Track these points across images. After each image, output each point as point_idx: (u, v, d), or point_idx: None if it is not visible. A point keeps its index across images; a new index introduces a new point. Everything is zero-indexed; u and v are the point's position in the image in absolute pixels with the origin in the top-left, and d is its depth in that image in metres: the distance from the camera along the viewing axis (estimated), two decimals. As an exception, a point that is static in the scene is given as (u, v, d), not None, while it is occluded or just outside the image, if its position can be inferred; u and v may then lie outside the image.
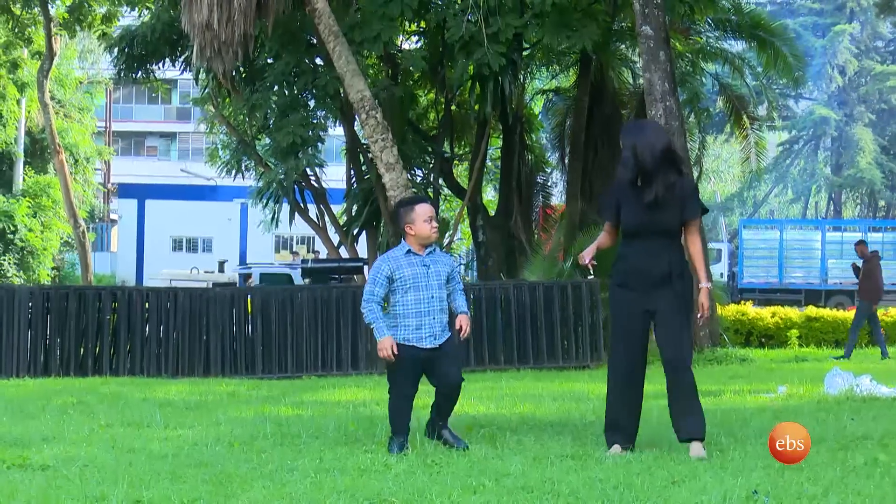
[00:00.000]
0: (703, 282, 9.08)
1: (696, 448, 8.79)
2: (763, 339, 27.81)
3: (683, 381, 8.94)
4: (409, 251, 9.34)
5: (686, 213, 8.97)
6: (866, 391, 13.28)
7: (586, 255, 9.26)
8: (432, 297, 9.31)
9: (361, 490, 7.40)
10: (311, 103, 26.29)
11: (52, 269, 50.96)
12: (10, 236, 47.49)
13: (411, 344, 9.26)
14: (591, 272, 9.59)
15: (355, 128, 27.84)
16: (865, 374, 14.35)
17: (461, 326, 9.37)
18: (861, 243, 25.28)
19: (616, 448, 9.01)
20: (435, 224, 9.41)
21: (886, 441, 9.35)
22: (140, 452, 9.28)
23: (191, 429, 10.92)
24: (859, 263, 24.97)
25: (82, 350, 19.62)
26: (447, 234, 30.14)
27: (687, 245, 9.15)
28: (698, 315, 9.06)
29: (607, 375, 9.31)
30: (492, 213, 30.60)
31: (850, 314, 28.77)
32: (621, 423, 9.13)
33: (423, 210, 9.34)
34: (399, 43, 28.62)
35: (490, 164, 35.03)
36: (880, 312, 29.27)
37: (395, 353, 9.18)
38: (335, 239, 28.99)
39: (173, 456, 9.02)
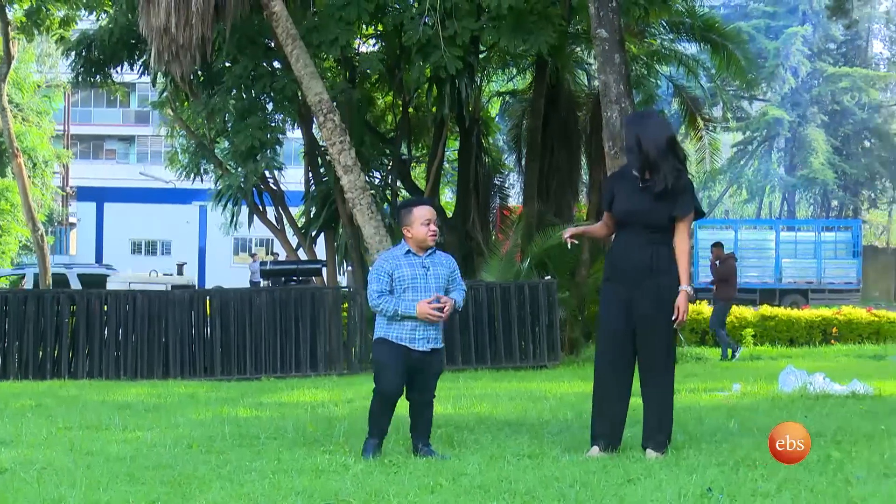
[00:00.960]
0: (684, 284, 8.88)
1: (652, 454, 8.82)
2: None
3: (658, 389, 8.97)
4: (408, 251, 9.17)
5: (677, 209, 8.88)
6: (819, 389, 13.38)
7: (568, 231, 9.34)
8: (429, 297, 9.06)
9: (319, 490, 7.42)
10: (270, 106, 26.20)
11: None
12: (-32, 239, 47.32)
13: (404, 345, 9.03)
14: (569, 247, 9.45)
15: (313, 130, 27.78)
16: (819, 371, 14.46)
17: (445, 300, 9.10)
18: (717, 245, 25.63)
19: (594, 450, 8.95)
20: (433, 227, 9.21)
21: (839, 438, 9.41)
22: (98, 455, 9.26)
23: (149, 431, 10.90)
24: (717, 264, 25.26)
25: (41, 353, 19.60)
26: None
27: (675, 243, 8.98)
28: (673, 318, 8.88)
29: (594, 373, 9.24)
30: (449, 214, 30.62)
31: (803, 313, 29.02)
32: (601, 425, 9.06)
33: (420, 213, 9.18)
34: (356, 46, 28.58)
35: (447, 165, 35.06)
36: (833, 311, 29.52)
37: (441, 307, 9.00)
38: (294, 241, 28.96)
39: (131, 458, 8.99)
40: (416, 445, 9.18)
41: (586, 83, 31.99)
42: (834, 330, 28.28)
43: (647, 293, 8.85)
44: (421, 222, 9.15)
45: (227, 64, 26.30)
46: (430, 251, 9.24)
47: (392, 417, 9.18)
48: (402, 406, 9.22)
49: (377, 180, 29.34)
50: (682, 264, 8.95)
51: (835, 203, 74.19)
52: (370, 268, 9.44)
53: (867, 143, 74.29)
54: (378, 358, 9.22)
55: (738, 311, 28.53)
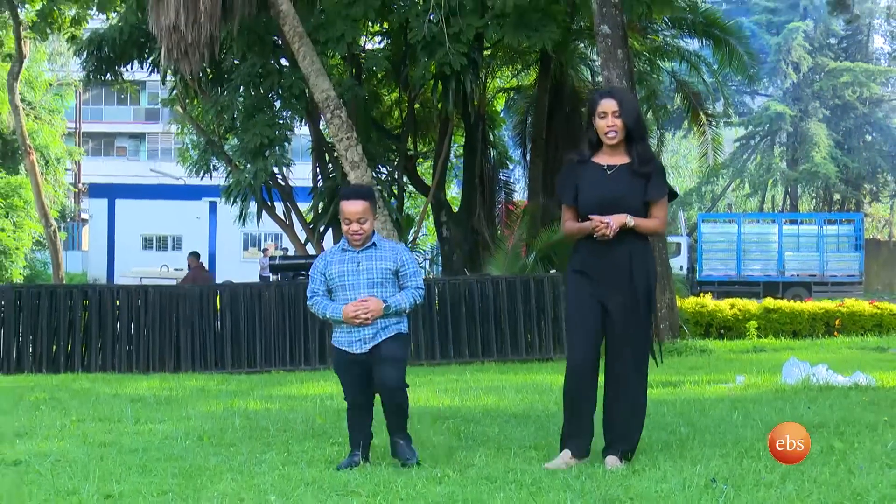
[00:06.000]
0: (630, 219, 8.05)
1: (613, 461, 8.09)
2: (722, 331, 27.83)
3: (629, 395, 8.22)
4: (348, 247, 8.47)
5: (649, 192, 8.16)
6: (822, 380, 13.32)
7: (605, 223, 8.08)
8: (359, 296, 8.31)
9: (328, 482, 7.49)
10: (277, 104, 26.31)
11: (24, 267, 51.07)
12: (-18, 236, 47.62)
13: (342, 348, 8.41)
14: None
15: (321, 127, 27.93)
16: (822, 363, 14.47)
17: (369, 300, 8.34)
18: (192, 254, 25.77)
19: (565, 455, 8.18)
20: (356, 226, 8.36)
21: (842, 429, 9.41)
22: (111, 447, 9.28)
23: (161, 423, 10.92)
24: None
25: (54, 347, 19.64)
26: (412, 231, 30.38)
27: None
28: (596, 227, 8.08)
29: (566, 373, 8.31)
30: (455, 209, 30.77)
31: (806, 306, 29.07)
32: (576, 426, 8.25)
33: (345, 209, 8.38)
34: (362, 43, 28.72)
35: (454, 161, 35.22)
36: (836, 303, 29.61)
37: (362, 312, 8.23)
38: (302, 236, 29.08)
39: (144, 450, 9.02)
40: (392, 440, 8.47)
41: (590, 78, 32.17)
42: (837, 322, 28.24)
43: (623, 292, 8.16)
44: (343, 219, 8.42)
45: (236, 62, 26.46)
46: (368, 244, 8.43)
47: (370, 423, 8.54)
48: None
49: (384, 176, 29.42)
50: (648, 221, 8.22)
51: (837, 197, 74.12)
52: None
53: (869, 138, 74.43)
54: (332, 366, 9.03)
55: (742, 304, 28.61)
